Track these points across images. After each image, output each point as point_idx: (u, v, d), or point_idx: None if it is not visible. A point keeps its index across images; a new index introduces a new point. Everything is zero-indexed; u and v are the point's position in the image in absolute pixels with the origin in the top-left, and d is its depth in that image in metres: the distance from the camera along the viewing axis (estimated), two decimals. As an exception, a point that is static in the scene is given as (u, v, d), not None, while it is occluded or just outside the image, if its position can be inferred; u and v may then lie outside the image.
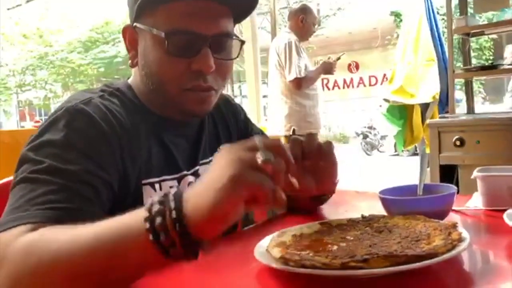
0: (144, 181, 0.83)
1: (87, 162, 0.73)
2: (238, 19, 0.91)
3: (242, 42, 0.90)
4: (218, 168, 0.54)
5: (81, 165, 0.72)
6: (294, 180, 0.64)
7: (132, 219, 0.56)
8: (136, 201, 0.82)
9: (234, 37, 0.87)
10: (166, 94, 0.85)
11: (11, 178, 0.75)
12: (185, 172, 0.91)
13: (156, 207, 0.54)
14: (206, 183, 0.54)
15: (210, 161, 0.99)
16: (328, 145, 0.84)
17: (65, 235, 0.58)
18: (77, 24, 16.28)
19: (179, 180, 0.89)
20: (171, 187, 0.87)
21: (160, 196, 0.56)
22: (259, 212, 0.61)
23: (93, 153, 0.74)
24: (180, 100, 0.85)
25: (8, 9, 17.81)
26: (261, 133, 1.17)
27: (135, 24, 0.86)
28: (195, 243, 0.53)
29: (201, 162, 0.96)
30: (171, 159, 0.89)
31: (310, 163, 0.81)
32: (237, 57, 0.90)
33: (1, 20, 16.49)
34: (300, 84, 3.29)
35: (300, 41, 3.40)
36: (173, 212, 0.53)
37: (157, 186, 0.85)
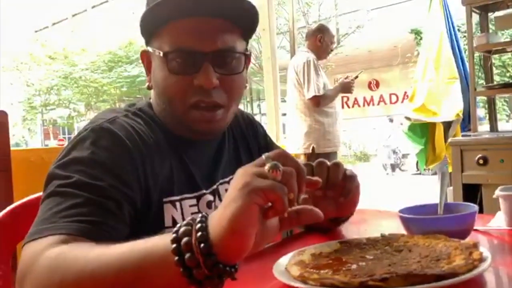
0: (165, 199, 0.85)
1: (112, 178, 0.75)
2: (247, 33, 0.90)
3: (246, 56, 0.89)
4: (232, 186, 0.56)
5: (107, 181, 0.74)
6: (316, 178, 0.64)
7: (159, 241, 0.57)
8: (158, 219, 0.83)
9: (237, 52, 0.86)
10: (174, 113, 0.87)
11: (37, 194, 0.78)
12: (204, 191, 0.91)
13: (183, 229, 0.56)
14: (224, 201, 0.56)
15: (230, 180, 1.00)
16: (353, 177, 0.86)
17: (89, 254, 0.59)
18: (101, 44, 16.65)
19: (198, 198, 0.90)
20: (190, 205, 0.88)
21: (188, 219, 0.57)
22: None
23: (118, 170, 0.77)
24: (186, 119, 0.87)
25: (36, 31, 18.37)
26: None
27: (148, 48, 0.90)
28: (220, 265, 0.54)
29: (221, 181, 0.96)
30: (190, 178, 0.90)
31: (333, 193, 0.85)
32: (242, 71, 0.88)
33: (29, 42, 17.04)
34: (318, 102, 3.31)
35: (318, 59, 3.42)
36: (199, 232, 0.54)
37: (177, 204, 0.86)
